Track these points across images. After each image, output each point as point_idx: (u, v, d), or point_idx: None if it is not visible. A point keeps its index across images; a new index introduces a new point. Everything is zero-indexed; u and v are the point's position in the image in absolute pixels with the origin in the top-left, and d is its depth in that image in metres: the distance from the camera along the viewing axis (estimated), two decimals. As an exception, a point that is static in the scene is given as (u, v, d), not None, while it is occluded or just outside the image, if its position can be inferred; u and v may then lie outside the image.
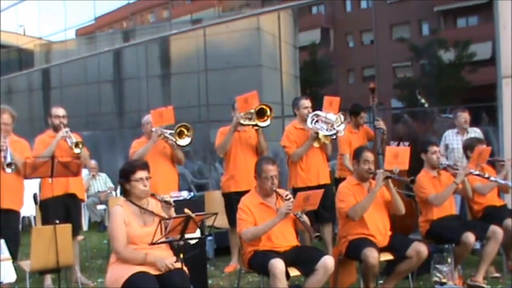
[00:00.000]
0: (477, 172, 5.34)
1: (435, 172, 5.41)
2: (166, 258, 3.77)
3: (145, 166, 3.99)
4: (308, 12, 12.15)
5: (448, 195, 5.22)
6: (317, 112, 5.94)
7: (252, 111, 5.84)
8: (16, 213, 5.32)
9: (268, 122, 5.87)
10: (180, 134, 5.96)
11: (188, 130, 5.97)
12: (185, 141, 5.99)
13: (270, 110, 5.85)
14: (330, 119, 5.85)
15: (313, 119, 5.90)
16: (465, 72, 9.16)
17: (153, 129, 5.94)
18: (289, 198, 4.29)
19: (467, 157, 5.76)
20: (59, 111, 5.85)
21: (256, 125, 5.88)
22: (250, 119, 5.87)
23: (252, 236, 4.29)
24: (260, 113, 5.85)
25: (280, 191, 4.39)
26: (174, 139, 5.92)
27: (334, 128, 5.83)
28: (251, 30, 11.30)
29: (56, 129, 5.77)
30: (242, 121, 5.86)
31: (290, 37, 11.14)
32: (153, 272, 3.72)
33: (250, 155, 6.02)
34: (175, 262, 3.75)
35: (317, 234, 4.17)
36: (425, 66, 10.19)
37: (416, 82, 10.02)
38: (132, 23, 14.45)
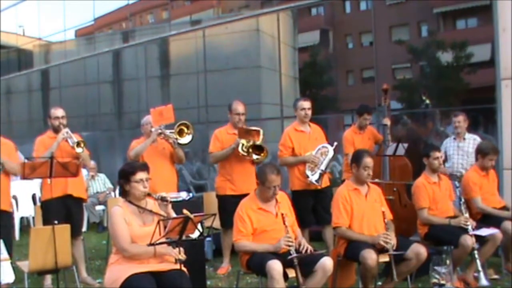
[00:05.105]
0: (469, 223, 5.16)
1: (435, 177, 5.40)
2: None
3: (145, 168, 4.01)
4: (307, 14, 12.13)
5: (436, 223, 5.22)
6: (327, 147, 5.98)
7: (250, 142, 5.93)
8: (8, 214, 5.30)
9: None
10: (181, 133, 5.96)
11: (188, 128, 5.97)
12: (186, 139, 5.98)
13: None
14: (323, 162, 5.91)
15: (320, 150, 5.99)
16: (465, 74, 9.15)
17: (153, 129, 5.93)
18: (289, 239, 4.26)
19: (477, 160, 5.75)
20: (58, 112, 5.83)
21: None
22: (247, 150, 5.94)
23: (245, 251, 4.34)
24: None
25: (287, 221, 4.36)
26: (175, 137, 5.92)
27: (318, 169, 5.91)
28: (250, 31, 11.29)
29: (56, 130, 5.75)
30: (241, 151, 5.93)
31: (289, 38, 11.13)
32: (156, 268, 3.74)
33: (246, 159, 6.04)
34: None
35: (304, 287, 4.14)
36: (425, 67, 10.18)
37: (415, 84, 10.02)
38: (131, 24, 14.43)
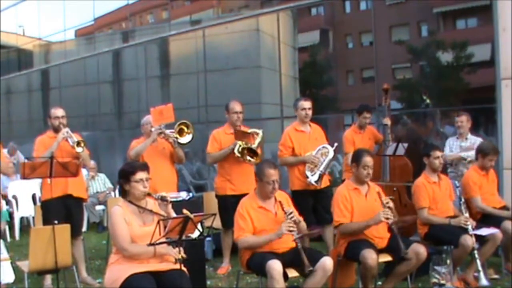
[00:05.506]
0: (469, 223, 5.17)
1: (435, 177, 5.39)
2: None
3: (145, 167, 4.00)
4: (307, 13, 12.14)
5: (436, 222, 5.22)
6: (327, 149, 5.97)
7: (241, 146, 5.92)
8: None
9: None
10: (181, 132, 5.95)
11: (188, 127, 5.97)
12: (186, 138, 5.98)
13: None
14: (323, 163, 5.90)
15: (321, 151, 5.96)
16: (465, 73, 9.16)
17: (153, 128, 5.93)
18: (292, 217, 4.27)
19: (477, 159, 5.75)
20: (58, 111, 5.84)
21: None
22: (242, 151, 5.94)
23: (249, 247, 4.34)
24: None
25: (286, 207, 4.36)
26: (175, 137, 5.92)
27: (318, 170, 5.90)
28: (250, 31, 11.29)
29: (56, 130, 5.75)
30: (236, 152, 5.93)
31: (289, 38, 11.13)
32: (156, 268, 3.74)
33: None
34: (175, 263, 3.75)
35: (310, 269, 4.12)
36: (425, 67, 10.19)
37: (415, 84, 10.02)
38: (131, 24, 14.43)
